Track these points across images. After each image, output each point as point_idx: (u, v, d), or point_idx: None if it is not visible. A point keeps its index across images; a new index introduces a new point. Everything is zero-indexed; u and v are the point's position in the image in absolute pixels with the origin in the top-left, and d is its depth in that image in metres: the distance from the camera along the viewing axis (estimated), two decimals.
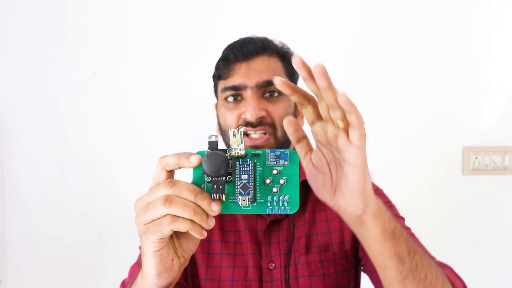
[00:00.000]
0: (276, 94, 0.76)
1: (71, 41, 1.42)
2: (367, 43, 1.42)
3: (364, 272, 0.78)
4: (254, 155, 0.46)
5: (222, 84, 0.78)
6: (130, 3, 1.42)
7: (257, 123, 0.73)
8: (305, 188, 0.82)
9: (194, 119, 1.39)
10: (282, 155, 0.46)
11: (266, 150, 0.46)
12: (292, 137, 0.48)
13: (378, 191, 0.81)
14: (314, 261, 0.75)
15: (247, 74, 0.75)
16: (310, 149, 0.49)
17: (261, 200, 0.45)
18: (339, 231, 0.77)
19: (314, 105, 0.46)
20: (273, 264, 0.75)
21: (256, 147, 0.74)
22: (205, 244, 0.77)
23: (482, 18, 1.42)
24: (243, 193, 0.45)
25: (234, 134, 0.44)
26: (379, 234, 0.47)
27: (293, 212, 0.45)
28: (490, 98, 1.43)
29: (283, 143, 0.76)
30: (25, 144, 1.42)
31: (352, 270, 0.78)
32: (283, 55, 0.80)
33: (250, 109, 0.72)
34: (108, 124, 1.42)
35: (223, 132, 0.80)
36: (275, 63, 0.78)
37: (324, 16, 1.41)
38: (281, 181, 0.45)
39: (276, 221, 0.77)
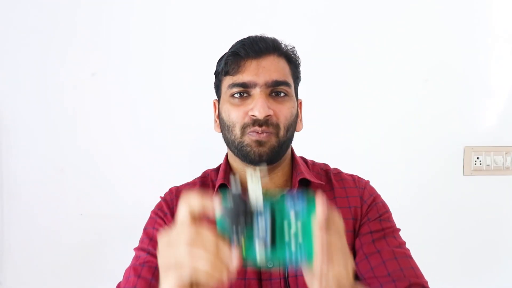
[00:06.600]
0: (282, 94, 0.76)
1: (71, 41, 1.42)
2: (367, 43, 1.41)
3: None
4: (272, 204, 0.48)
5: (229, 79, 0.77)
6: (130, 3, 1.42)
7: (263, 122, 0.74)
8: (303, 187, 0.81)
9: (194, 119, 1.38)
10: (300, 203, 0.48)
11: (285, 199, 0.48)
12: None
13: (376, 200, 0.80)
14: None
15: (256, 72, 0.75)
16: None
17: (280, 251, 0.47)
18: None
19: None
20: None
21: (259, 141, 0.74)
22: None
23: (482, 18, 1.42)
24: (261, 244, 0.47)
25: (251, 176, 0.47)
26: None
27: (310, 262, 0.46)
28: (491, 98, 1.43)
29: (284, 142, 0.76)
30: (25, 143, 1.42)
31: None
32: (290, 58, 0.81)
33: (258, 107, 0.72)
34: (108, 124, 1.42)
35: (225, 128, 0.79)
36: (283, 65, 0.79)
37: (325, 16, 1.41)
38: (299, 232, 0.47)
39: None
